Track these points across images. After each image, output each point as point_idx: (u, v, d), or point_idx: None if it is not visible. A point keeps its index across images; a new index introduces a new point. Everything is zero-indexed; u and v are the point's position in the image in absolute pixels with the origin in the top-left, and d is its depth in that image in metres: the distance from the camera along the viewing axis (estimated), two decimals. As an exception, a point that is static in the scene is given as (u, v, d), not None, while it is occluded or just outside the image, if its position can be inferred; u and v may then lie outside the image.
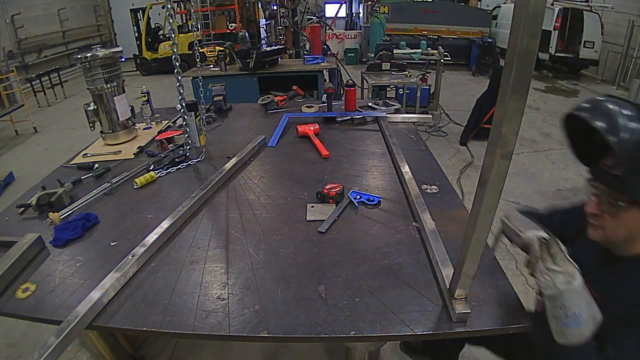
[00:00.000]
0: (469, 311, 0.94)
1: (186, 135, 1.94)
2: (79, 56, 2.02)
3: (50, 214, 1.45)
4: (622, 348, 0.88)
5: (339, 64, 5.10)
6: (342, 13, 12.09)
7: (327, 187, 1.50)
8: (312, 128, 2.16)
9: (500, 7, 10.51)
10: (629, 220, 0.90)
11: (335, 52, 5.91)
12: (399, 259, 1.17)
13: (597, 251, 1.02)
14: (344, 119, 2.39)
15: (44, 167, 4.23)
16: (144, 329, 0.99)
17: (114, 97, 2.11)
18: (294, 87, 2.88)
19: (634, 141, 0.82)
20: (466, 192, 3.65)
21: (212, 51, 4.58)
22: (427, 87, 5.66)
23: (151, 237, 1.26)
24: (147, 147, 2.13)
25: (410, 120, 2.39)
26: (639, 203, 0.87)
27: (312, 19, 6.86)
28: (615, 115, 0.86)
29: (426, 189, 1.56)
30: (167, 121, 2.48)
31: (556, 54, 8.37)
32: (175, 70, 1.76)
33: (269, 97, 2.69)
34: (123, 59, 2.34)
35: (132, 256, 1.17)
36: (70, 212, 1.49)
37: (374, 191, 1.56)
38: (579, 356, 0.86)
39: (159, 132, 2.26)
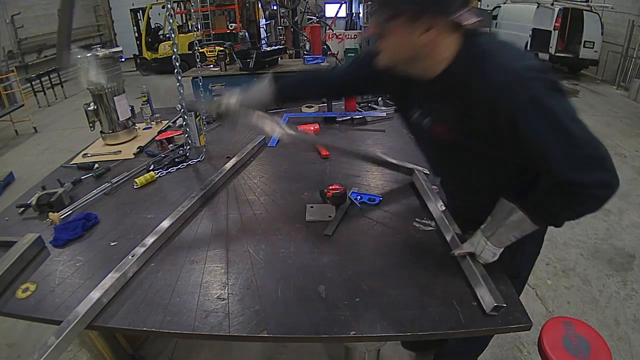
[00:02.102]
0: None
1: (186, 135, 1.94)
2: (79, 56, 2.02)
3: (50, 214, 1.45)
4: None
5: (339, 64, 5.10)
6: (342, 13, 12.06)
7: (330, 187, 1.49)
8: (312, 128, 2.16)
9: (500, 7, 10.50)
10: (398, 36, 0.89)
11: (335, 52, 5.91)
12: (399, 259, 1.17)
13: (421, 88, 1.02)
14: (344, 119, 2.39)
15: (44, 167, 4.24)
16: (144, 329, 0.99)
17: (114, 97, 2.11)
18: (294, 87, 2.87)
19: None
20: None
21: (212, 51, 4.58)
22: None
23: (151, 237, 1.26)
24: (147, 147, 2.13)
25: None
26: (400, 18, 0.87)
27: (312, 19, 6.87)
28: None
29: (426, 189, 1.56)
30: (167, 121, 2.48)
31: (556, 54, 8.36)
32: (176, 70, 1.76)
33: (269, 97, 2.68)
34: (123, 59, 2.34)
35: (132, 256, 1.17)
36: (70, 212, 1.49)
37: (374, 191, 1.55)
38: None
39: (159, 132, 2.26)
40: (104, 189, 1.64)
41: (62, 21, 1.57)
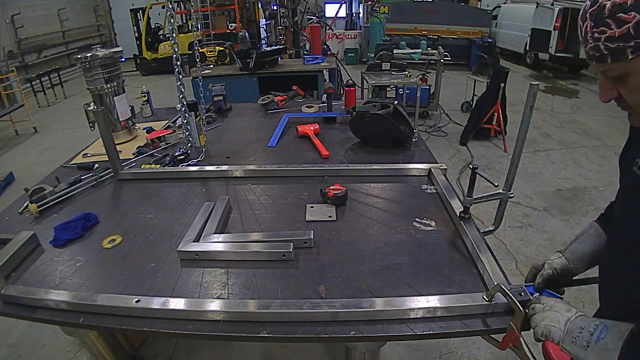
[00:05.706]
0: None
1: (187, 133, 1.94)
2: (79, 56, 2.02)
3: (30, 205, 1.48)
4: None
5: (339, 64, 5.10)
6: (342, 13, 12.09)
7: (330, 187, 1.48)
8: (312, 128, 2.16)
9: (500, 7, 10.52)
10: (636, 81, 0.75)
11: (335, 52, 5.90)
12: (399, 259, 1.17)
13: None
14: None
15: (44, 167, 4.24)
16: (144, 329, 0.99)
17: (114, 97, 2.11)
18: (294, 87, 2.88)
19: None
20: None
21: (212, 51, 4.58)
22: (427, 87, 5.66)
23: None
24: (144, 146, 2.14)
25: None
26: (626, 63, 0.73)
27: (312, 19, 6.86)
28: None
29: (426, 189, 1.56)
30: (167, 121, 2.48)
31: (556, 54, 8.37)
32: (177, 69, 1.76)
33: (269, 97, 2.69)
34: (123, 59, 2.34)
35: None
36: (56, 201, 1.55)
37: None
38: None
39: (149, 132, 2.26)
40: (88, 180, 1.68)
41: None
